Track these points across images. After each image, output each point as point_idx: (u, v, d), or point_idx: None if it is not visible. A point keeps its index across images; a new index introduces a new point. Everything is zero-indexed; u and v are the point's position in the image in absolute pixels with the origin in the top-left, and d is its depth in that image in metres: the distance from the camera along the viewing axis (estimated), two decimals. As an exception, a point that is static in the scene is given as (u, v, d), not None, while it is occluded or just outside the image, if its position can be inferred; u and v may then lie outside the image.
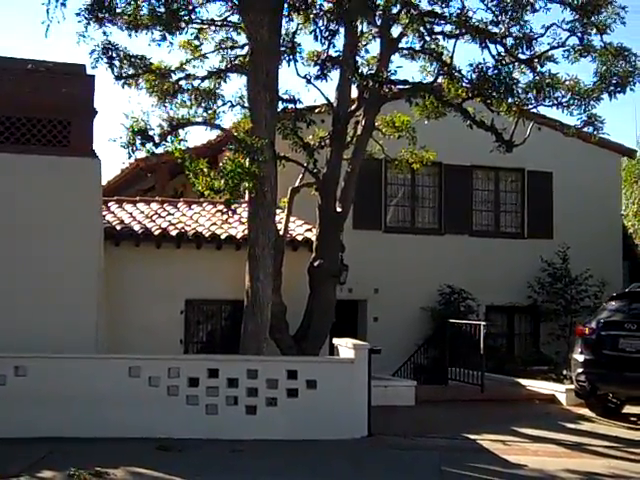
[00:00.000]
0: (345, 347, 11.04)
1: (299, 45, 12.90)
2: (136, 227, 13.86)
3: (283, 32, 12.80)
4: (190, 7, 12.27)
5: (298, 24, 12.44)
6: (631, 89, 12.56)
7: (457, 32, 13.49)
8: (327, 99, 13.21)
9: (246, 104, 12.30)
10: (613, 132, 50.10)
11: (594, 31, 12.70)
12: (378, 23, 13.38)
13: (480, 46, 13.74)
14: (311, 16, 11.98)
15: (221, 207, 14.71)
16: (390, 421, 11.09)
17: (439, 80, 13.16)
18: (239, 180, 10.10)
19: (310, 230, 14.59)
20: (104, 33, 11.58)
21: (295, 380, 10.43)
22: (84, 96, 12.19)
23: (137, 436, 9.91)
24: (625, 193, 23.79)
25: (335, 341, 11.74)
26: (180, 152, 10.49)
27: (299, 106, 13.13)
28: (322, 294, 13.44)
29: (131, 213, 15.15)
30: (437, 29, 13.98)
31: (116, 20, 11.51)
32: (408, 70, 33.20)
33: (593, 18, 13.13)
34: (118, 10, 11.39)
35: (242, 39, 13.40)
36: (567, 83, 12.53)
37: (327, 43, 11.88)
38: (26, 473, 8.29)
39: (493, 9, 12.67)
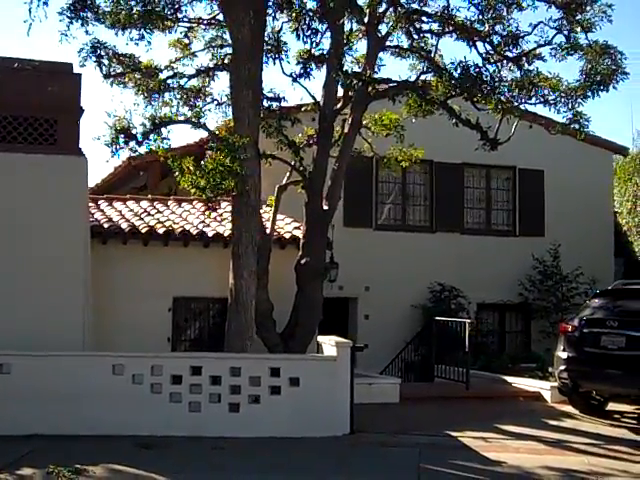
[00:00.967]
0: (328, 345, 11.07)
1: (285, 44, 12.91)
2: (124, 225, 13.88)
3: (269, 30, 12.86)
4: (176, 6, 12.27)
5: (283, 23, 12.47)
6: (614, 87, 12.56)
7: (443, 30, 13.52)
8: (313, 97, 13.23)
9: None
10: (608, 130, 50.25)
11: (580, 29, 12.64)
12: (365, 21, 13.41)
13: (467, 44, 13.85)
14: (294, 14, 11.97)
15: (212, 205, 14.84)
16: (373, 419, 11.11)
17: (423, 78, 13.16)
18: (220, 178, 10.12)
19: (298, 228, 14.60)
20: (86, 32, 11.59)
21: (278, 378, 10.47)
22: (71, 94, 12.20)
23: (120, 434, 9.96)
24: (619, 191, 23.83)
25: (320, 339, 11.77)
26: (163, 151, 10.51)
27: (284, 104, 13.16)
28: (309, 292, 13.44)
29: (120, 211, 15.18)
30: (425, 27, 14.06)
31: (98, 19, 11.51)
32: (399, 68, 33.25)
33: (579, 16, 13.15)
34: (100, 9, 11.38)
35: (231, 38, 13.48)
36: (550, 81, 12.50)
37: (310, 42, 11.88)
38: (6, 470, 8.34)
39: (478, 7, 12.66)
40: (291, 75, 12.51)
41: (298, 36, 11.77)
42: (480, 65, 12.24)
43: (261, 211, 14.36)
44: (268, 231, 13.54)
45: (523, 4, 12.88)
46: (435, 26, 13.78)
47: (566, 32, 13.53)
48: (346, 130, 13.62)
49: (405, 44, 14.12)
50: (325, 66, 12.96)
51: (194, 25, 13.94)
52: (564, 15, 12.59)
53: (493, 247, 19.14)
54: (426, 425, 10.92)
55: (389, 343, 17.49)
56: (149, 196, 17.03)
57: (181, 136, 65.06)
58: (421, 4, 12.63)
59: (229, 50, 13.75)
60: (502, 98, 12.25)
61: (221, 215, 14.46)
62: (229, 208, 13.62)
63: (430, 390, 13.78)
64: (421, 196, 19.16)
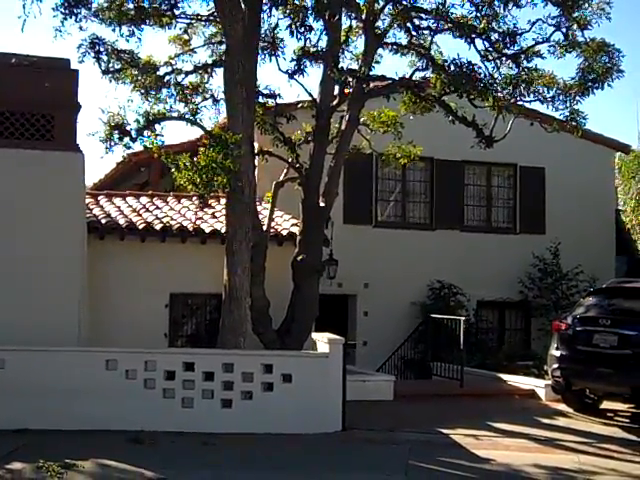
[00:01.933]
0: (321, 342, 11.09)
1: (282, 40, 12.92)
2: (121, 221, 13.94)
3: (266, 27, 12.87)
4: (172, 2, 12.30)
5: (278, 19, 12.49)
6: (609, 85, 12.54)
7: (439, 26, 13.52)
8: (310, 94, 13.24)
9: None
10: (614, 127, 50.10)
11: (576, 26, 12.62)
12: (363, 18, 13.41)
13: (465, 41, 13.84)
14: (287, 11, 11.98)
15: (211, 201, 14.88)
16: (366, 416, 11.12)
17: (422, 75, 13.16)
18: (213, 175, 10.15)
19: (296, 225, 14.62)
20: (80, 28, 11.62)
21: (270, 374, 10.49)
22: (68, 90, 12.25)
23: (113, 429, 9.99)
24: (623, 189, 23.76)
25: (314, 336, 11.79)
26: (157, 147, 10.54)
27: (281, 101, 13.18)
28: (305, 289, 13.47)
29: (119, 207, 15.23)
30: (424, 24, 14.04)
31: (91, 15, 11.55)
32: (400, 66, 33.18)
33: (576, 13, 13.12)
34: (93, 6, 11.42)
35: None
36: (544, 79, 12.48)
37: (304, 39, 11.88)
38: (-4, 464, 8.40)
39: (473, 3, 12.64)
40: (287, 72, 12.52)
41: (292, 33, 11.79)
42: (474, 63, 12.18)
43: (259, 208, 14.44)
44: (265, 228, 13.56)
45: (521, 1, 12.81)
46: (432, 23, 13.78)
47: (564, 29, 13.56)
48: (343, 127, 13.63)
49: (404, 41, 14.15)
50: (322, 63, 12.96)
51: (193, 21, 13.98)
52: (561, 12, 12.52)
53: (493, 245, 19.10)
54: (418, 422, 10.93)
55: (388, 340, 17.51)
56: (149, 192, 17.08)
57: (181, 133, 64.89)
58: (416, 1, 12.56)
59: (227, 47, 13.83)
60: (498, 95, 12.19)
61: (220, 211, 14.49)
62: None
63: (424, 388, 13.79)
64: (421, 193, 19.14)
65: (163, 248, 13.97)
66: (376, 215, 18.68)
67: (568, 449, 9.71)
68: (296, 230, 14.34)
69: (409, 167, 18.45)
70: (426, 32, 13.97)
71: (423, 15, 13.71)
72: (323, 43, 13.30)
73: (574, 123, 12.84)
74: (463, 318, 14.21)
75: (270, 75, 47.20)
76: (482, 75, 12.10)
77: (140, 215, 14.58)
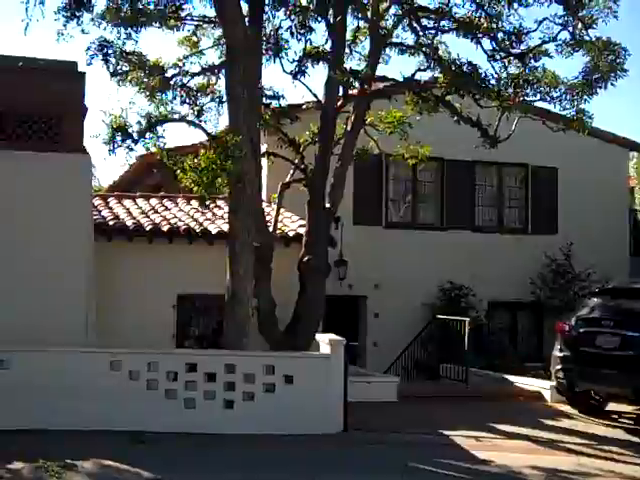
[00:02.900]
0: (323, 343, 11.11)
1: (287, 41, 12.94)
2: (129, 222, 14.04)
3: (270, 28, 12.90)
4: (177, 4, 12.38)
5: (281, 20, 12.51)
6: (612, 84, 12.46)
7: (444, 26, 13.50)
8: (315, 95, 13.27)
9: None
10: (628, 126, 49.61)
11: (580, 25, 12.57)
12: (368, 18, 13.42)
13: (472, 41, 13.81)
14: (288, 12, 12.01)
15: (220, 203, 14.96)
16: (369, 417, 11.12)
17: (421, 76, 13.16)
18: (213, 177, 10.20)
19: (303, 226, 14.64)
20: (83, 31, 11.72)
21: (272, 375, 10.52)
22: (75, 93, 12.37)
23: (116, 429, 10.02)
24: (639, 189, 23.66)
25: (317, 337, 11.80)
26: (159, 149, 10.62)
27: (286, 102, 13.20)
28: (311, 290, 13.49)
29: (128, 209, 15.36)
30: (430, 24, 14.02)
31: (92, 19, 11.67)
32: (408, 66, 33.09)
33: (583, 12, 13.06)
34: (95, 9, 11.53)
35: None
36: (546, 79, 12.43)
37: (305, 40, 11.90)
38: (-2, 464, 8.48)
39: (477, 2, 12.62)
40: (291, 73, 12.53)
41: (292, 34, 11.83)
42: (474, 62, 12.15)
43: (268, 209, 14.50)
44: (271, 229, 13.61)
45: (525, 0, 12.77)
46: (436, 23, 13.76)
47: (571, 28, 13.50)
48: (349, 128, 13.64)
49: (410, 41, 14.13)
50: (327, 64, 12.97)
51: (200, 23, 14.04)
52: (565, 11, 12.47)
53: (505, 245, 19.03)
54: (420, 424, 10.91)
55: (399, 341, 17.47)
56: (159, 194, 17.19)
57: (192, 134, 64.86)
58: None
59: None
60: (502, 95, 12.16)
61: (207, 212, 14.51)
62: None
63: (429, 389, 13.76)
64: (432, 194, 19.10)
65: (171, 249, 14.07)
66: (386, 216, 18.67)
67: (569, 451, 9.66)
68: (303, 231, 14.37)
69: (420, 168, 18.47)
70: (432, 32, 13.96)
71: (429, 15, 13.70)
72: (328, 44, 13.36)
73: (580, 122, 12.72)
74: (468, 319, 14.16)
75: (278, 76, 47.24)
76: (483, 75, 12.02)
77: (148, 217, 14.69)
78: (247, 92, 11.10)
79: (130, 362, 10.61)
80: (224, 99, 13.43)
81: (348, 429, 10.43)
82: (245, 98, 10.98)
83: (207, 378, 10.56)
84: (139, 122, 10.70)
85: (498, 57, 13.63)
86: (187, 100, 12.63)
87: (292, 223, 15.23)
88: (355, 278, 17.87)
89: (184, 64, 13.89)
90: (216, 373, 10.55)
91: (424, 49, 13.79)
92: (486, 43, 13.70)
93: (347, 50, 13.82)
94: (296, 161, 13.61)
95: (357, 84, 13.34)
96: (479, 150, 17.91)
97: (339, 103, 13.16)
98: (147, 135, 10.67)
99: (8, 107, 11.92)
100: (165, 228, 13.91)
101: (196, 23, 14.06)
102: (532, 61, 13.74)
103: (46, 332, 10.93)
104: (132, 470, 8.45)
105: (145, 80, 12.83)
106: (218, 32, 14.26)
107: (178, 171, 11.41)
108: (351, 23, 13.89)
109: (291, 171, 14.12)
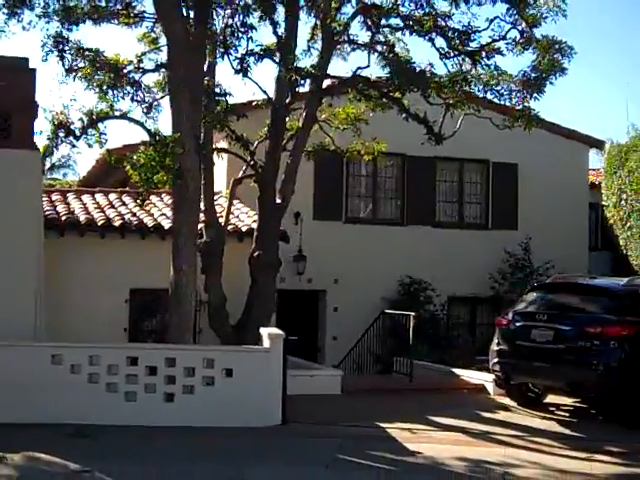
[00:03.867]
0: (264, 337, 11.24)
1: (237, 39, 12.99)
2: (82, 217, 14.12)
3: (221, 26, 12.97)
4: (126, 1, 12.47)
5: (227, 19, 12.55)
6: (551, 83, 12.65)
7: (397, 24, 13.65)
8: (264, 92, 13.38)
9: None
10: (604, 123, 50.15)
11: (524, 24, 12.75)
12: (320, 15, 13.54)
13: (425, 39, 13.98)
14: (232, 11, 12.10)
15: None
16: (310, 410, 11.27)
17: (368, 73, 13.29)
18: (152, 173, 10.30)
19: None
20: (23, 28, 11.78)
21: (212, 369, 10.64)
22: (25, 89, 12.39)
23: (57, 422, 10.12)
24: (606, 184, 23.78)
25: (261, 331, 11.92)
26: (101, 145, 10.71)
27: (236, 100, 13.31)
28: (262, 284, 13.63)
29: (85, 204, 15.43)
30: (384, 22, 14.15)
31: (40, 15, 11.75)
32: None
33: (532, 11, 13.25)
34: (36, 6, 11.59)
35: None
36: (486, 77, 12.62)
37: (245, 38, 11.97)
38: None
39: (423, 1, 12.78)
40: (240, 70, 12.61)
41: (232, 33, 11.91)
42: (409, 61, 12.27)
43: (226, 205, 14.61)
44: (223, 224, 13.75)
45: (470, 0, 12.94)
46: (389, 20, 13.91)
47: (520, 27, 13.69)
48: (300, 125, 13.77)
49: (366, 38, 14.25)
50: (279, 61, 13.07)
51: (154, 20, 14.10)
52: (509, 10, 12.65)
53: (465, 240, 19.19)
54: (360, 416, 11.05)
55: (359, 335, 17.62)
56: (119, 189, 17.27)
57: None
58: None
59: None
60: (445, 92, 12.32)
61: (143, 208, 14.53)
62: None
63: (374, 382, 13.93)
64: (393, 189, 19.24)
65: (123, 244, 14.16)
66: (347, 211, 18.80)
67: (500, 442, 9.80)
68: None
69: (381, 164, 18.67)
70: (386, 30, 14.10)
71: (381, 12, 13.82)
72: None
73: (527, 120, 12.92)
74: (413, 314, 14.31)
75: (227, 73, 47.31)
76: (428, 72, 12.15)
77: (104, 212, 14.77)
78: (191, 89, 11.18)
79: (71, 356, 10.70)
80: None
81: (287, 422, 10.56)
82: (187, 95, 11.06)
83: (148, 372, 10.68)
84: (81, 119, 10.78)
85: (451, 55, 13.84)
86: (137, 97, 12.67)
87: (248, 218, 15.35)
88: (315, 273, 18.01)
89: (141, 60, 13.96)
90: (157, 367, 10.66)
91: (378, 47, 13.94)
92: (439, 41, 13.94)
93: (305, 47, 13.93)
94: (248, 158, 13.69)
95: (308, 81, 13.43)
96: (441, 146, 18.16)
97: (288, 100, 13.23)
98: (89, 132, 10.73)
99: (-43, 102, 11.96)
100: (117, 223, 14.01)
101: (153, 20, 14.13)
102: (485, 59, 13.99)
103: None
104: (61, 463, 8.54)
105: (95, 76, 12.90)
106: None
107: (127, 167, 11.52)
108: (309, 20, 14.06)
109: (244, 167, 14.25)
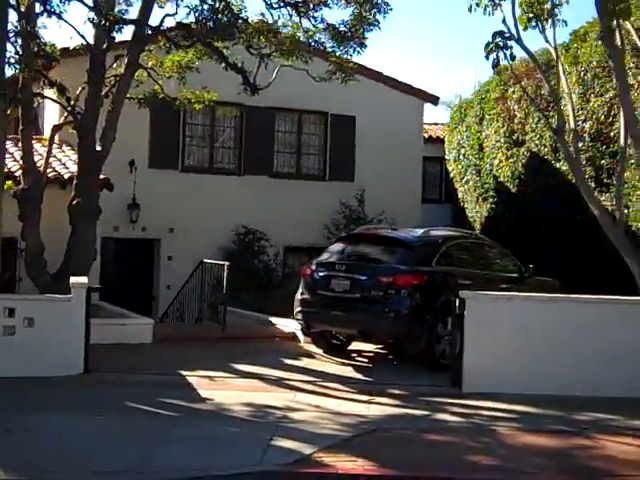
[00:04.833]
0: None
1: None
2: None
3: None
4: None
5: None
6: (364, 37, 13.07)
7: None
8: (82, 36, 13.12)
9: None
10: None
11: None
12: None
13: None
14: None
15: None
16: (117, 358, 11.39)
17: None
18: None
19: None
20: None
21: (13, 318, 10.56)
22: None
23: None
24: (448, 139, 24.60)
25: (72, 280, 11.82)
26: None
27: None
28: (81, 233, 13.49)
29: None
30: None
31: None
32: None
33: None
34: None
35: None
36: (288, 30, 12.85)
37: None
38: None
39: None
40: (51, 13, 12.27)
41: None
42: (214, 12, 12.28)
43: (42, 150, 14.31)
44: (41, 170, 13.52)
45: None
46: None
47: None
48: (122, 71, 13.59)
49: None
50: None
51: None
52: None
53: (302, 191, 19.52)
54: (165, 364, 11.23)
55: (193, 284, 17.74)
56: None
57: None
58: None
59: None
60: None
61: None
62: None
63: (187, 331, 14.15)
64: (230, 139, 19.31)
65: None
66: (183, 160, 18.76)
67: (292, 388, 10.18)
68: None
69: (219, 113, 18.68)
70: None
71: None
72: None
73: (342, 73, 13.32)
74: (227, 263, 14.58)
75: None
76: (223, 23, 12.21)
77: None
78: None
79: None
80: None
81: (90, 371, 10.63)
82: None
83: (-53, 321, 10.50)
84: None
85: (276, 6, 13.94)
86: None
87: (74, 165, 15.09)
88: (149, 222, 17.98)
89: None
90: (-44, 316, 10.49)
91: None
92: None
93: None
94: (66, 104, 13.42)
95: (131, 28, 13.22)
96: (281, 97, 18.28)
97: (105, 46, 13.02)
98: None
99: None
100: None
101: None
102: (313, 11, 14.18)
103: None
104: None
105: None
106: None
107: None
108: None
109: (65, 113, 13.98)
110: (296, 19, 14.13)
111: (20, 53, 12.03)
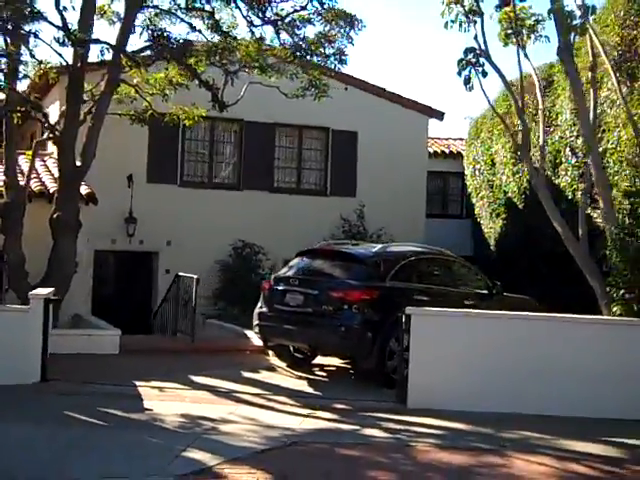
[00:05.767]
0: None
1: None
2: None
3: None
4: None
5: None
6: (316, 55, 13.18)
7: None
8: (60, 55, 13.49)
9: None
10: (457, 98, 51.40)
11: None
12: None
13: (231, 6, 14.26)
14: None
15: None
16: (77, 368, 11.56)
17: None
18: None
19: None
20: None
21: (-28, 327, 10.82)
22: None
23: None
24: (466, 154, 24.47)
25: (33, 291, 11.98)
26: None
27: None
28: (61, 246, 13.80)
29: None
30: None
31: None
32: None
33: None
34: None
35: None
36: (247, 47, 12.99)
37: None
38: None
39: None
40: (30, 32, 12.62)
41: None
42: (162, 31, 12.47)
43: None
44: (24, 184, 13.94)
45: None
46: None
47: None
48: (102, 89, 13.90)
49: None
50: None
51: None
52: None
53: (303, 206, 19.58)
54: (123, 375, 11.33)
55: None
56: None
57: None
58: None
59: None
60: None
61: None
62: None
63: (156, 343, 14.30)
64: (230, 154, 19.50)
65: None
66: (182, 174, 18.98)
67: (238, 400, 10.20)
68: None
69: (219, 128, 18.98)
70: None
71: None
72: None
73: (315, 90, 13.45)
74: (196, 277, 14.70)
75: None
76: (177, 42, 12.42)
77: None
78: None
79: None
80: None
81: (47, 380, 10.82)
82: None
83: None
84: None
85: (254, 24, 14.17)
86: None
87: (61, 179, 15.42)
88: (147, 235, 18.24)
89: None
90: None
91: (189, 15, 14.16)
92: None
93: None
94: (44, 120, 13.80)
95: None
96: (281, 113, 18.47)
97: (78, 64, 13.34)
98: None
99: None
100: None
101: None
102: (296, 29, 14.38)
103: None
104: None
105: None
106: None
107: None
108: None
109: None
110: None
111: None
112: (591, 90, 12.43)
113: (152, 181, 18.39)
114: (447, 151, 25.42)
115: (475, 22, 12.81)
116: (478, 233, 23.26)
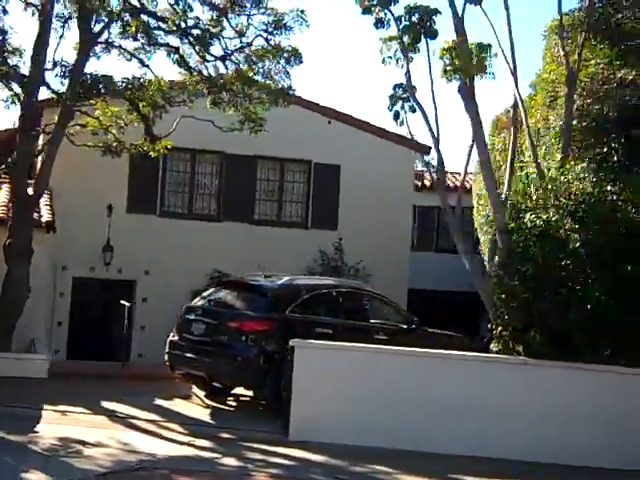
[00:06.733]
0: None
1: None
2: None
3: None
4: None
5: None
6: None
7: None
8: (10, 88, 14.08)
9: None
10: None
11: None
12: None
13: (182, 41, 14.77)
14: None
15: None
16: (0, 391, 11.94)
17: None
18: None
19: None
20: None
21: None
22: None
23: None
24: (473, 189, 24.30)
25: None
26: None
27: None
28: (14, 272, 14.34)
29: None
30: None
31: None
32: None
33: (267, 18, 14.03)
34: None
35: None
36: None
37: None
38: None
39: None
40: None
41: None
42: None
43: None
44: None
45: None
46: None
47: (265, 35, 14.42)
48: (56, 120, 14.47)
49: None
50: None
51: None
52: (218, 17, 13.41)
53: (283, 238, 19.75)
54: (37, 398, 11.55)
55: (167, 325, 18.18)
56: None
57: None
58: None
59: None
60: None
61: None
62: None
63: (88, 368, 14.57)
64: (210, 186, 19.86)
65: None
66: (162, 205, 19.42)
67: (131, 426, 10.43)
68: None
69: (199, 160, 19.44)
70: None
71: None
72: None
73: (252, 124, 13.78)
74: (128, 304, 14.99)
75: None
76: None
77: None
78: None
79: None
80: None
81: (-36, 402, 11.21)
82: None
83: None
84: None
85: (206, 60, 14.64)
86: None
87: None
88: (126, 263, 18.70)
89: None
90: None
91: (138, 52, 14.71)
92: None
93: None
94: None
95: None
96: (262, 145, 18.84)
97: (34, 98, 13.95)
98: None
99: None
100: None
101: None
102: (252, 63, 14.80)
103: None
104: None
105: None
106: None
107: None
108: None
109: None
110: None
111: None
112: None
113: (132, 211, 18.87)
114: (452, 185, 25.29)
115: (412, 59, 12.93)
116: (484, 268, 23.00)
